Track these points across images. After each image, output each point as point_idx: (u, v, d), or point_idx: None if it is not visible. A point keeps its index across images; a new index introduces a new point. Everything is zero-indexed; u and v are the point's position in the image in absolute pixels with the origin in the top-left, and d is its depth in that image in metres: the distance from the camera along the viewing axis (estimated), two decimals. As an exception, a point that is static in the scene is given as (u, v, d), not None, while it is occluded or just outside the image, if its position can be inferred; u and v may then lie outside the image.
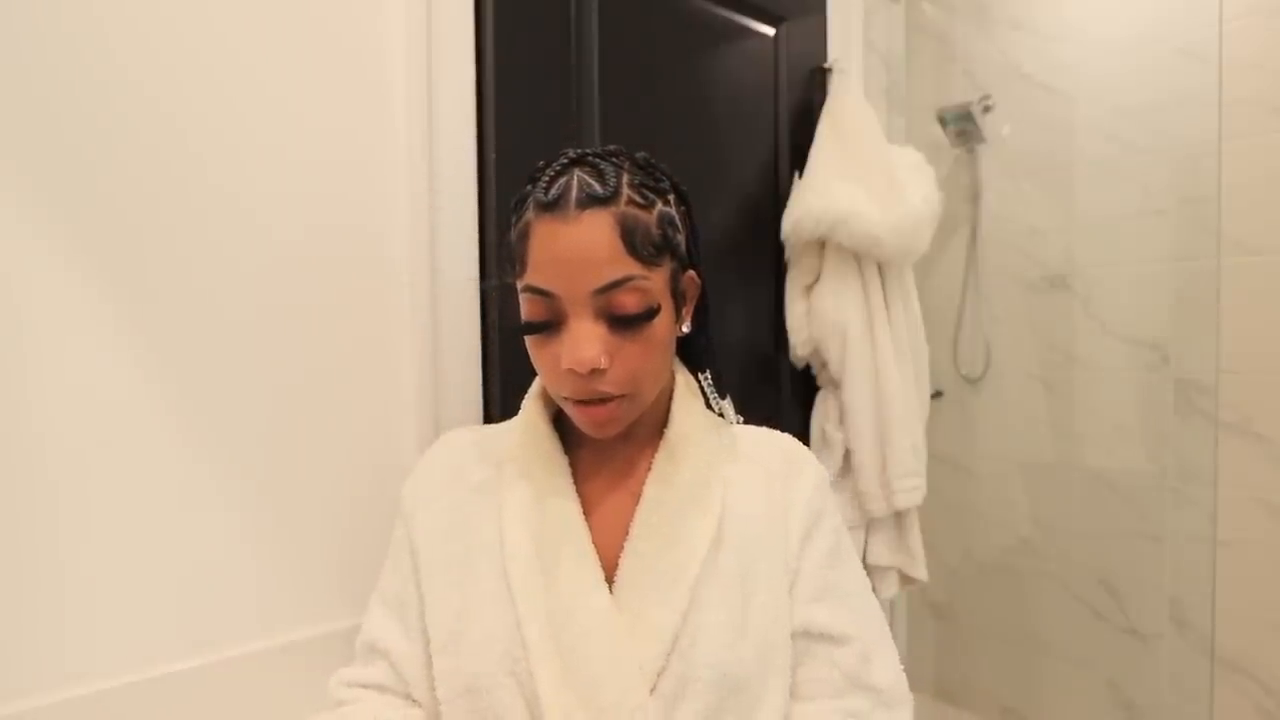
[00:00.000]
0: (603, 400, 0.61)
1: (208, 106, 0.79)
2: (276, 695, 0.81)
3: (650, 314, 0.59)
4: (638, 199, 0.60)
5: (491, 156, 0.99)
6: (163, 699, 0.76)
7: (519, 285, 0.62)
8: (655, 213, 0.61)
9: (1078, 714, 1.74)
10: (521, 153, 1.01)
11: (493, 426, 0.76)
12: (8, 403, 0.69)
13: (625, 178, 0.60)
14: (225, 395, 0.81)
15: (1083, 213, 1.72)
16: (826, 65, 1.48)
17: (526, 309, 0.62)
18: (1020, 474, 1.82)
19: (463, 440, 0.73)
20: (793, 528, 0.65)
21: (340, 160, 0.89)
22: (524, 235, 0.61)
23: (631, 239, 0.58)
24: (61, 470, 0.72)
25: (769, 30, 1.41)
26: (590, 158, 0.62)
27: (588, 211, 0.58)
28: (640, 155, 0.65)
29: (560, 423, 0.70)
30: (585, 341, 0.58)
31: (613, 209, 0.58)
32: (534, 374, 0.71)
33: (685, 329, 0.67)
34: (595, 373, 0.59)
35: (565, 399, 0.63)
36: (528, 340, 0.63)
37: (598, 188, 0.58)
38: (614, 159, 0.62)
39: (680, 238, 0.64)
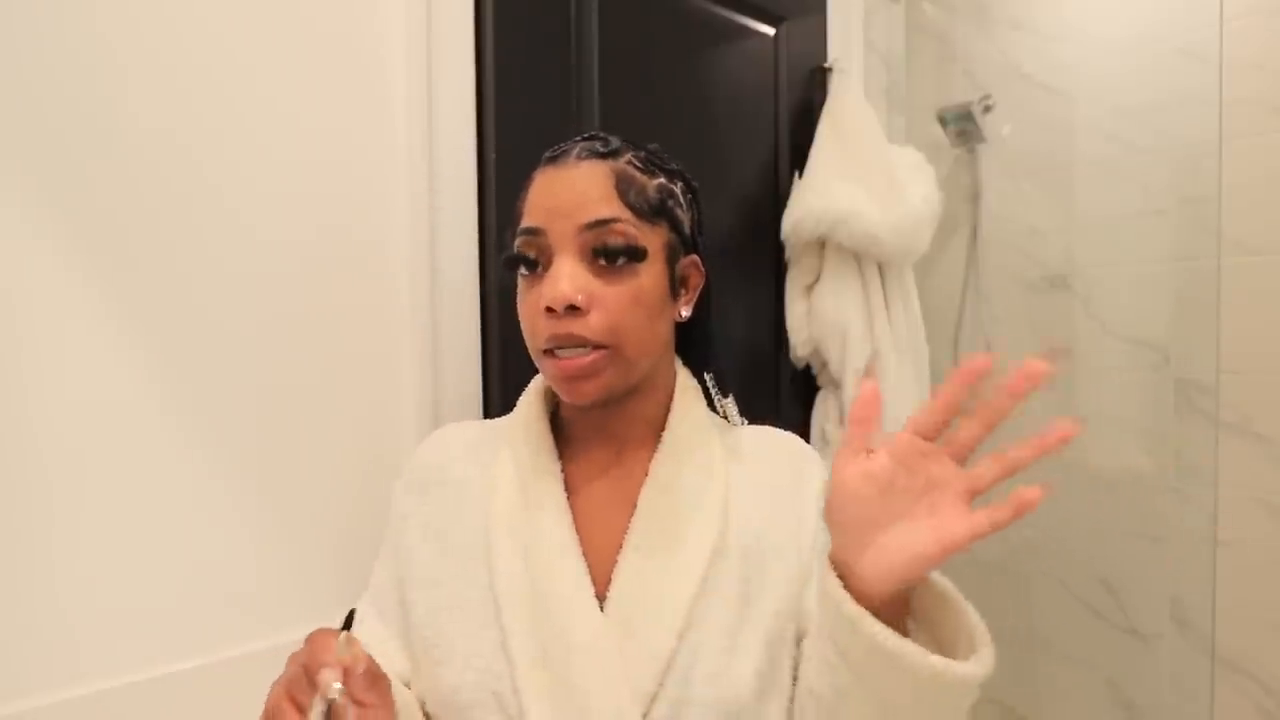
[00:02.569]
0: (581, 351, 0.57)
1: (208, 108, 0.79)
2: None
3: (634, 253, 0.58)
4: (639, 164, 0.61)
5: (491, 156, 0.99)
6: (163, 699, 0.76)
7: (515, 237, 0.61)
8: (655, 181, 0.62)
9: (1078, 714, 1.74)
10: (521, 153, 1.01)
11: (488, 422, 0.74)
12: (10, 404, 0.69)
13: (631, 151, 0.62)
14: (226, 396, 0.81)
15: (1083, 213, 1.72)
16: (826, 65, 1.48)
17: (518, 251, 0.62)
18: (1020, 474, 1.82)
19: (452, 436, 0.71)
20: (806, 531, 0.62)
21: (340, 161, 0.89)
22: (524, 190, 0.62)
23: (626, 188, 0.59)
24: (62, 470, 0.72)
25: (769, 30, 1.41)
26: (601, 134, 0.63)
27: (586, 161, 0.60)
28: (652, 146, 0.66)
29: (556, 422, 0.68)
30: (565, 278, 0.57)
31: (611, 162, 0.60)
32: (533, 373, 0.69)
33: (684, 314, 0.65)
34: (572, 313, 0.57)
35: (543, 355, 0.60)
36: (519, 291, 0.62)
37: (600, 146, 0.61)
38: (625, 140, 0.64)
39: (682, 215, 0.63)
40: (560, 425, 0.68)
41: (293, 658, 0.49)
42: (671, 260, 0.62)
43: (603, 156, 0.60)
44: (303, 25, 0.86)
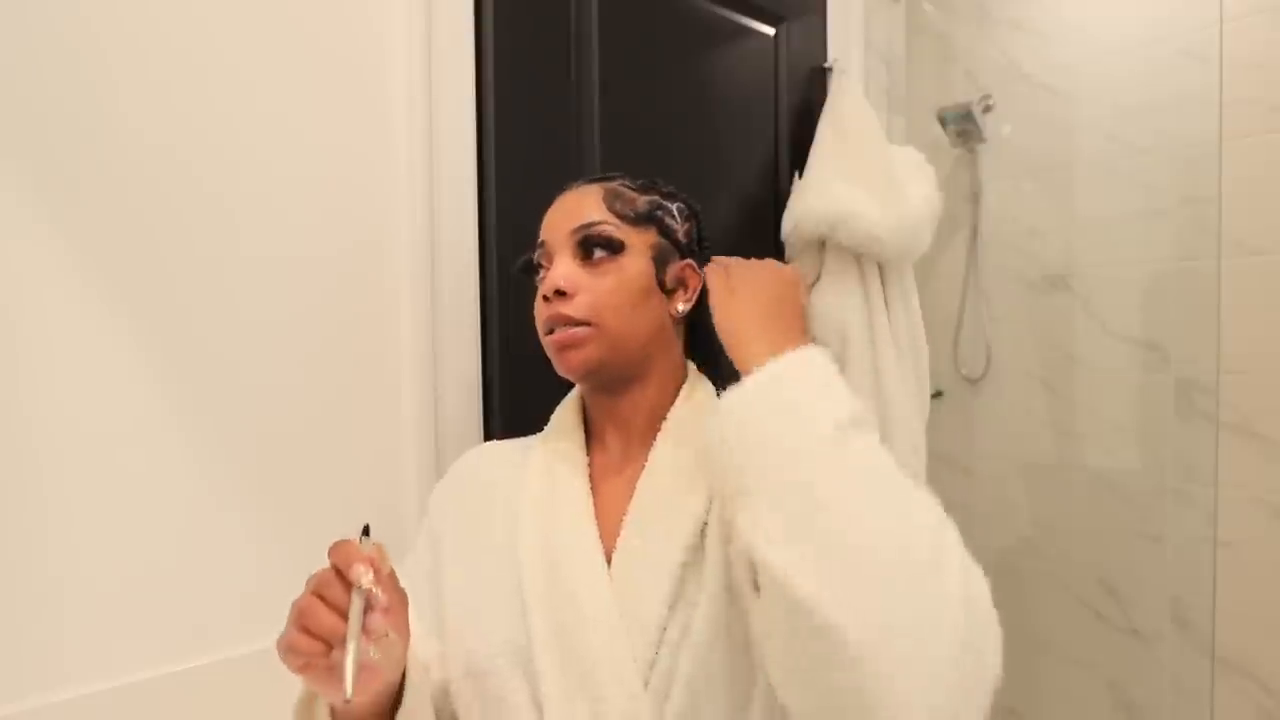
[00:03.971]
0: (568, 326, 0.66)
1: (207, 112, 0.79)
2: (277, 696, 0.81)
3: (611, 244, 0.67)
4: (631, 186, 0.72)
5: (491, 157, 0.99)
6: (163, 699, 0.76)
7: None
8: (647, 197, 0.71)
9: (1078, 714, 1.74)
10: (521, 154, 1.01)
11: (520, 439, 0.80)
12: (10, 405, 0.69)
13: (629, 178, 0.72)
14: (225, 397, 0.81)
15: (1083, 213, 1.72)
16: (827, 65, 1.48)
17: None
18: (1020, 474, 1.82)
19: (487, 448, 0.80)
20: None
21: (340, 165, 0.89)
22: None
23: (612, 200, 0.69)
24: (62, 471, 0.72)
25: (769, 30, 1.41)
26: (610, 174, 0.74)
27: (583, 186, 0.72)
28: (656, 180, 0.76)
29: (586, 423, 0.75)
30: (557, 271, 0.67)
31: (604, 184, 0.71)
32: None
33: (682, 309, 0.72)
34: (561, 297, 0.66)
35: (545, 341, 0.69)
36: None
37: (598, 175, 0.73)
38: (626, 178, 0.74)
39: (674, 224, 0.72)
40: (589, 423, 0.75)
41: (308, 583, 0.50)
42: (660, 260, 0.70)
43: (599, 181, 0.71)
44: (302, 27, 0.86)
